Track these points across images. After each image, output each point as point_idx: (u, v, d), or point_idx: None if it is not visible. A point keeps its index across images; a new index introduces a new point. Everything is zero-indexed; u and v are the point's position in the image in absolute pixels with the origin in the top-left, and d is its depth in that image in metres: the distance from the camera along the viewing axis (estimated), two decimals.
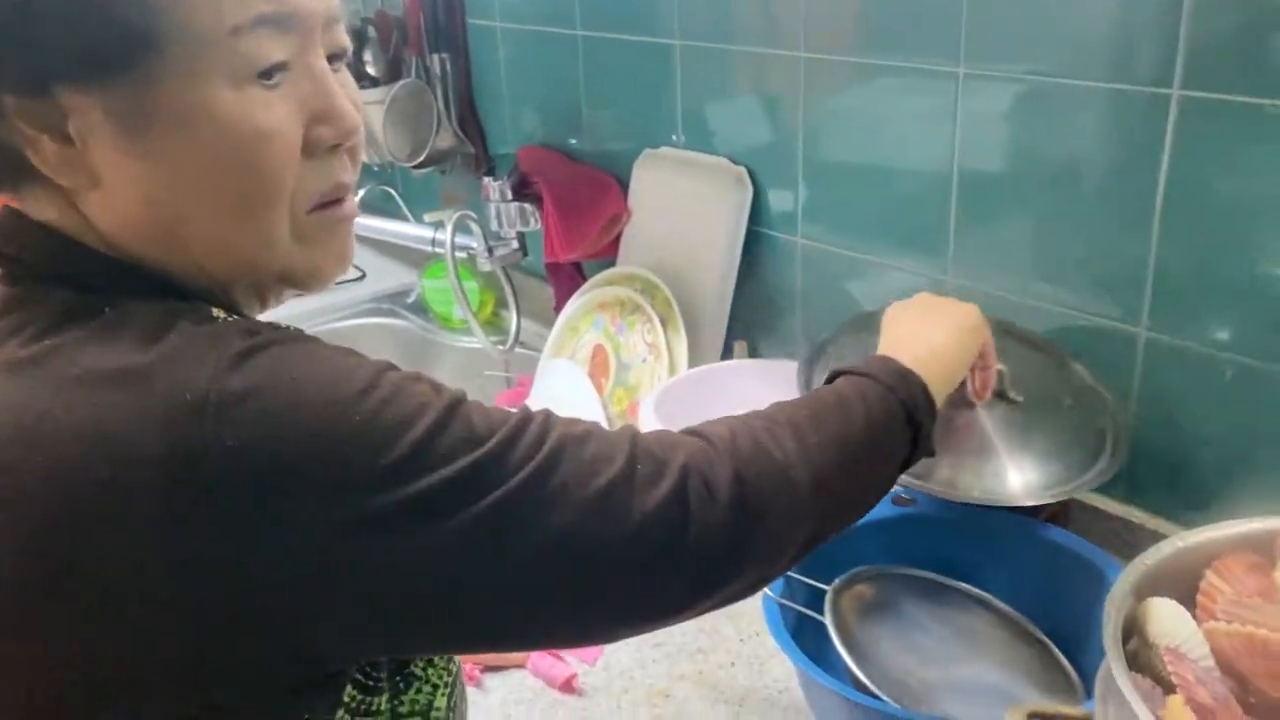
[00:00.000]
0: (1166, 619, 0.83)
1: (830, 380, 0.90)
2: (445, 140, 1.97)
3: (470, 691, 1.29)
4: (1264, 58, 1.08)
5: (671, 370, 1.69)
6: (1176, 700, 0.75)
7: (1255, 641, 0.78)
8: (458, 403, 0.71)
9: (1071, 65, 1.24)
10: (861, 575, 1.26)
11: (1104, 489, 1.24)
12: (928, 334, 0.97)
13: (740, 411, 0.84)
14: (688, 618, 0.79)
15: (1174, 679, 0.74)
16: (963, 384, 1.06)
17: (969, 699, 1.19)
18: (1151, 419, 1.26)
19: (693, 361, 1.70)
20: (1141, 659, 0.82)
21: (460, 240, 1.85)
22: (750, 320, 1.76)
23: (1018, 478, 1.15)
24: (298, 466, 0.63)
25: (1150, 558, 0.87)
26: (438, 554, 0.66)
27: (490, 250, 1.84)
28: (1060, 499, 1.17)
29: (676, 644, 1.35)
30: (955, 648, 1.25)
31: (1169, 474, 1.29)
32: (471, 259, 1.88)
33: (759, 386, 1.61)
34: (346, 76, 0.82)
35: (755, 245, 1.71)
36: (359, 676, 0.75)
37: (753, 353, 1.75)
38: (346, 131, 0.79)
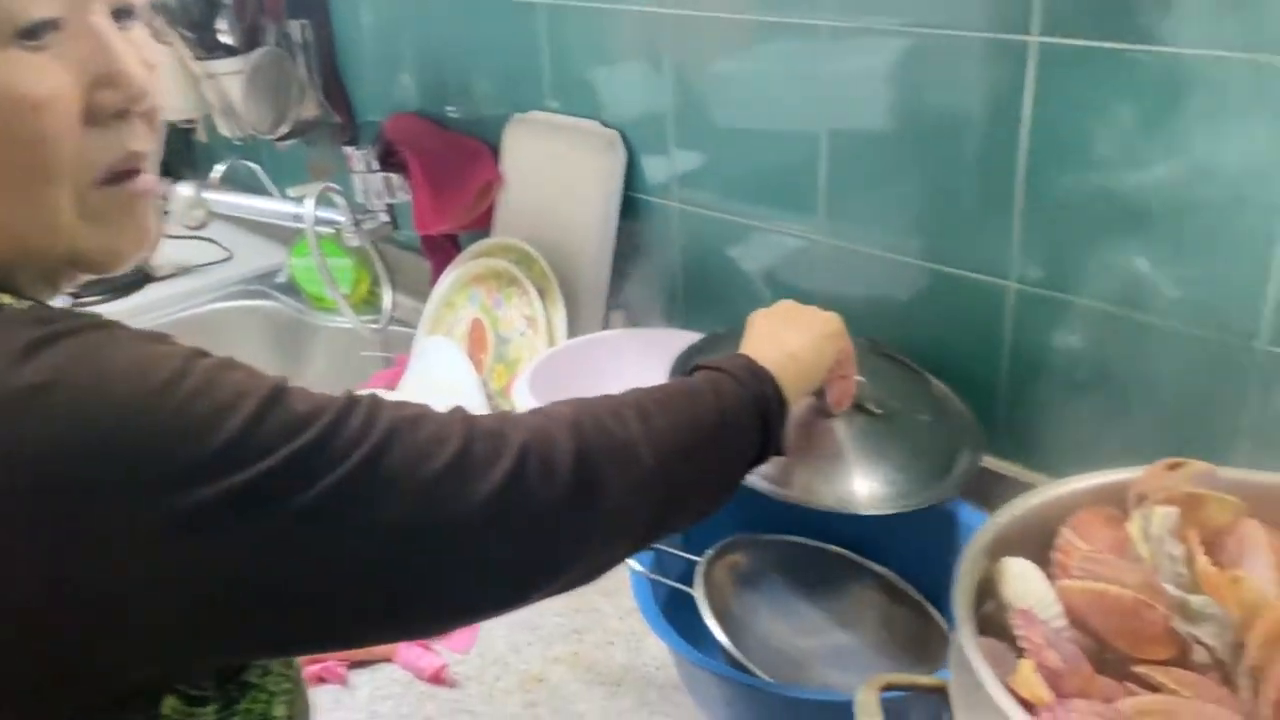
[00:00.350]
0: (1020, 579, 0.80)
1: (688, 375, 0.90)
2: (310, 110, 1.88)
3: (335, 690, 1.23)
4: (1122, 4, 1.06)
5: (551, 343, 1.64)
6: (1025, 665, 0.72)
7: (1107, 598, 0.76)
8: (278, 389, 0.65)
9: (938, 16, 1.20)
10: (736, 544, 1.22)
11: (1004, 453, 1.25)
12: (786, 338, 0.98)
13: (619, 383, 0.83)
14: (532, 601, 0.75)
15: (1023, 643, 0.71)
16: (823, 394, 1.07)
17: (849, 665, 1.17)
18: (1023, 372, 1.25)
19: (572, 333, 1.65)
20: (998, 622, 0.79)
21: (326, 214, 1.76)
22: (630, 289, 1.71)
23: (871, 487, 1.13)
24: (102, 466, 0.58)
25: (1004, 516, 0.85)
26: (263, 550, 0.62)
27: (357, 224, 1.76)
28: (909, 509, 1.14)
29: (551, 626, 1.30)
30: (835, 613, 1.22)
31: (1042, 427, 1.28)
32: (339, 234, 1.80)
33: (639, 356, 1.56)
34: (140, 35, 0.75)
35: (632, 211, 1.66)
36: (181, 687, 0.69)
37: (633, 322, 1.70)
38: (133, 96, 0.72)
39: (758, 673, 1.08)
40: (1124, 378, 1.18)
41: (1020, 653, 0.74)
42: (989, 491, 1.25)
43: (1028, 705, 0.69)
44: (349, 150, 1.75)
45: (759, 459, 0.91)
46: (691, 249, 1.62)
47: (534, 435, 0.72)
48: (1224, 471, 0.87)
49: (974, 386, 1.27)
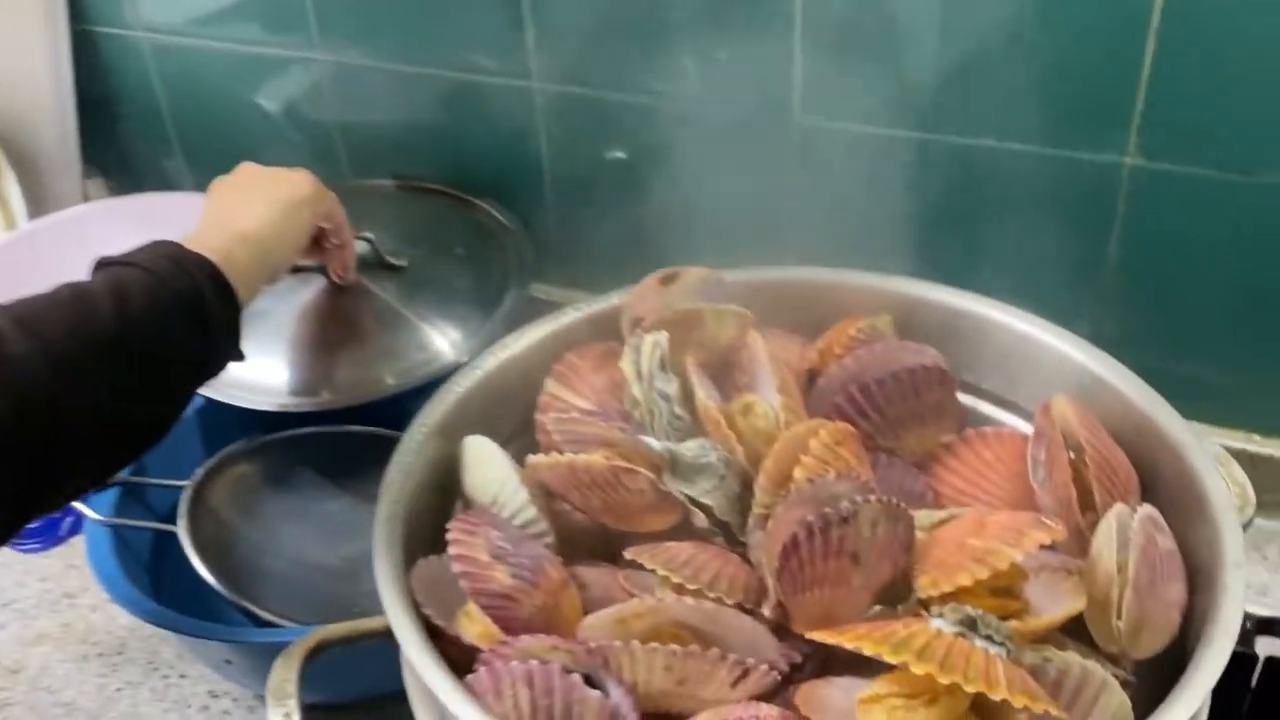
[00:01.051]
0: (479, 465, 0.61)
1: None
2: None
3: None
4: None
5: (9, 226, 1.29)
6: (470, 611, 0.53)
7: (578, 471, 0.58)
8: None
9: None
10: (236, 455, 0.97)
11: (544, 278, 1.10)
12: (239, 215, 0.84)
13: None
14: None
15: (456, 565, 0.52)
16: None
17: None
18: (567, 182, 1.10)
19: (37, 212, 1.31)
20: None
21: None
22: (108, 150, 1.38)
23: (436, 344, 0.95)
24: None
25: (461, 383, 0.65)
26: None
27: None
28: (479, 351, 0.94)
29: (34, 596, 1.02)
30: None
31: (593, 245, 1.10)
32: None
33: (128, 229, 1.25)
34: None
35: (90, 51, 1.31)
36: None
37: (118, 190, 1.38)
38: None
39: (263, 615, 0.86)
40: (674, 174, 1.01)
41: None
42: None
43: (469, 654, 0.50)
44: None
45: (206, 366, 0.76)
46: (177, 90, 1.30)
47: None
48: (734, 275, 0.71)
49: (520, 205, 1.10)
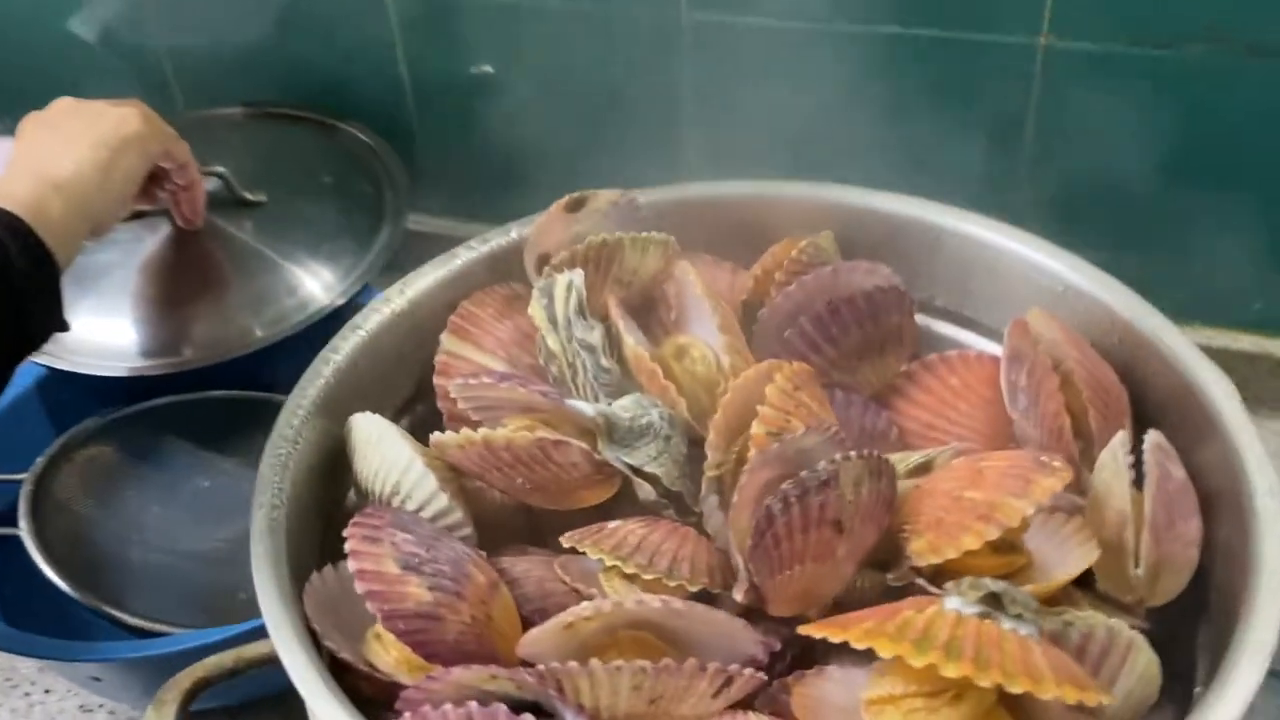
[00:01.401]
0: (372, 447, 0.50)
1: None
2: None
3: None
4: None
5: None
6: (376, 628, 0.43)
7: (495, 449, 0.48)
8: None
9: None
10: (84, 436, 0.85)
11: (432, 209, 1.00)
12: (54, 160, 0.73)
13: None
14: None
15: (360, 584, 0.42)
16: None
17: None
18: (430, 103, 0.98)
19: None
20: None
21: None
22: None
23: (307, 286, 0.84)
24: None
25: (340, 349, 0.54)
26: None
27: None
28: (355, 290, 0.84)
29: None
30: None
31: (475, 168, 1.00)
32: None
33: None
34: None
35: None
36: None
37: None
38: None
39: (132, 620, 0.75)
40: (554, 82, 0.90)
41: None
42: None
43: (386, 689, 0.41)
44: None
45: (20, 340, 0.66)
46: None
47: None
48: (648, 195, 0.61)
49: (385, 128, 0.98)
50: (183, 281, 0.84)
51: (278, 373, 0.91)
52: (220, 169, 0.86)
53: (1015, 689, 0.35)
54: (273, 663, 0.49)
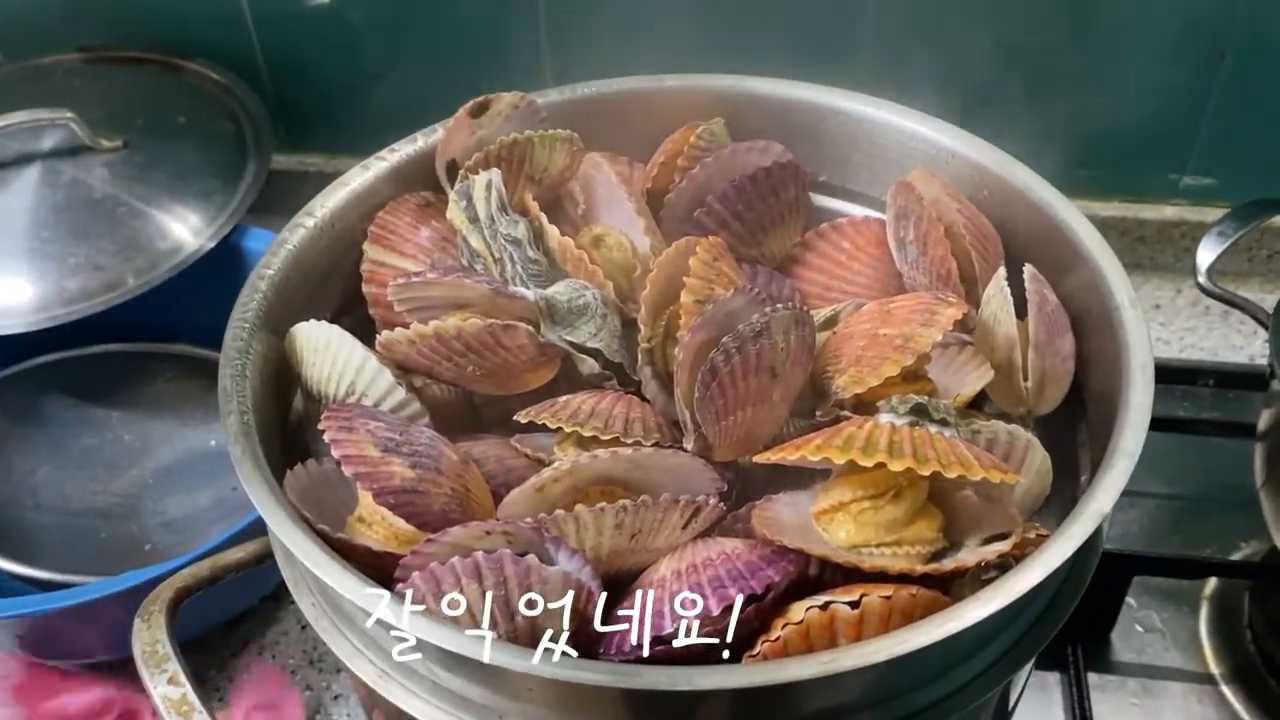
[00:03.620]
0: (321, 353, 0.52)
1: None
2: None
3: None
4: None
5: None
6: (364, 498, 0.46)
7: (445, 339, 0.51)
8: None
9: None
10: None
11: (292, 147, 1.00)
12: None
13: None
14: None
15: (346, 466, 0.44)
16: None
17: (185, 485, 0.85)
18: (273, 59, 0.97)
19: None
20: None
21: None
22: None
23: (176, 230, 0.83)
24: None
25: (272, 265, 0.55)
26: None
27: None
28: (227, 231, 0.82)
29: None
30: (146, 431, 0.89)
31: (335, 101, 0.98)
32: None
33: None
34: None
35: None
36: None
37: None
38: None
39: (42, 575, 0.75)
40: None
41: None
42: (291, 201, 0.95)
43: (380, 562, 0.44)
44: None
45: None
46: None
47: None
48: (548, 95, 0.64)
49: (232, 66, 0.95)
50: (45, 236, 0.82)
51: (159, 321, 0.90)
52: (68, 114, 0.83)
53: (952, 474, 0.41)
54: (248, 566, 0.51)
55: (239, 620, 0.75)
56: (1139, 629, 0.71)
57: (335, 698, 0.70)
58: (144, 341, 0.92)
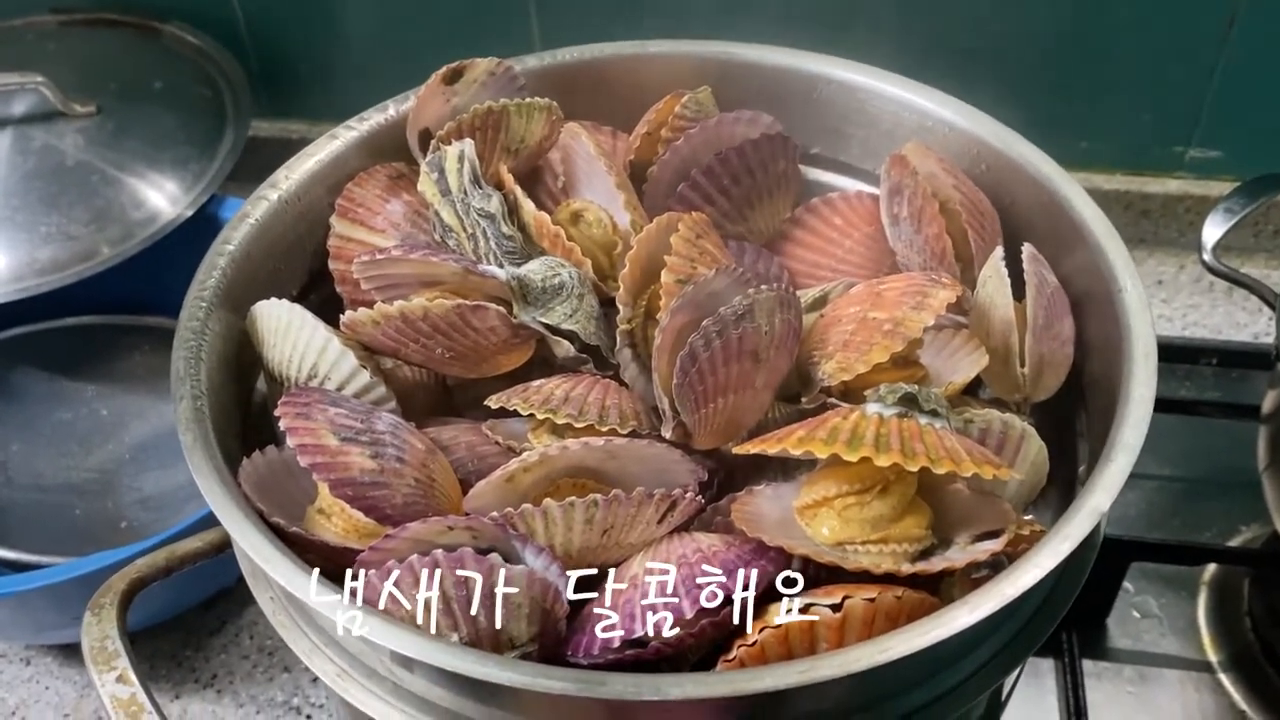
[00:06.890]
0: (282, 333, 0.50)
1: None
2: None
3: None
4: None
5: None
6: (322, 489, 0.44)
7: (412, 321, 0.48)
8: None
9: None
10: None
11: (271, 113, 0.97)
12: None
13: None
14: None
15: (304, 458, 0.42)
16: None
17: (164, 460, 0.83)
18: (253, 21, 0.94)
19: None
20: None
21: None
22: None
23: (152, 199, 0.80)
24: None
25: (232, 239, 0.52)
26: None
27: None
28: (204, 200, 0.80)
29: None
30: (122, 404, 0.87)
31: (312, 66, 0.96)
32: None
33: None
34: None
35: None
36: None
37: None
38: None
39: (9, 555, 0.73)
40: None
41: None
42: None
43: (339, 557, 0.41)
44: None
45: None
46: None
47: None
48: (523, 62, 0.61)
49: (210, 28, 0.92)
50: (15, 205, 0.79)
51: (134, 293, 0.87)
52: (39, 78, 0.80)
53: (940, 470, 0.39)
54: (205, 556, 0.49)
55: (216, 599, 0.74)
56: (1135, 615, 0.69)
57: (313, 680, 0.68)
58: (119, 314, 0.90)
